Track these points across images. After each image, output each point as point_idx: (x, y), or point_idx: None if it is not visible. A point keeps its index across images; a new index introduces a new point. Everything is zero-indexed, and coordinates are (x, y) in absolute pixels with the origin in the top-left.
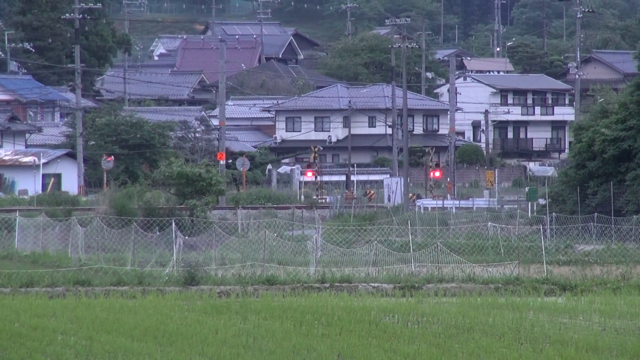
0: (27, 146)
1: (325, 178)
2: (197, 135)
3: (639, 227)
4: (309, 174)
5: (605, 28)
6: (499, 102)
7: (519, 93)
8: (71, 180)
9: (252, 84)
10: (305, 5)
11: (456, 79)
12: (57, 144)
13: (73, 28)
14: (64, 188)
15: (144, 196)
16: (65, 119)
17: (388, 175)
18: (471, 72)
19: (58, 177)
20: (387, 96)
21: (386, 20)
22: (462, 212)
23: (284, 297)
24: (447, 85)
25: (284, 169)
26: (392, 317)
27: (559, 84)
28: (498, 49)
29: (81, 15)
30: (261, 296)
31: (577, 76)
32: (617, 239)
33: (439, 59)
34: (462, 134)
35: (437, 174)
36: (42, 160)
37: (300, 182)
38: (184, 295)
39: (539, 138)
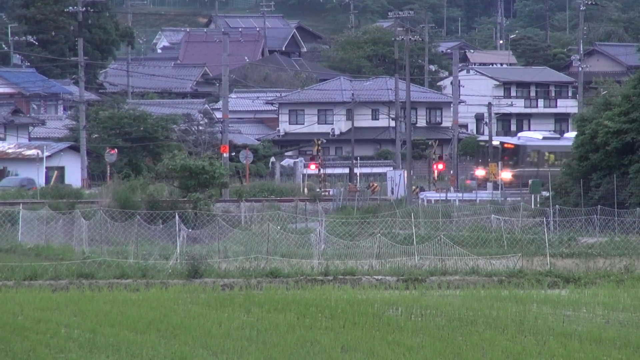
0: (30, 139)
1: (329, 171)
2: (200, 128)
3: None
4: (313, 166)
5: (608, 20)
6: (502, 94)
7: (522, 85)
8: (74, 173)
9: (255, 76)
10: None
11: (459, 71)
12: (61, 137)
13: (76, 21)
14: (67, 181)
15: (147, 189)
16: (69, 112)
17: (391, 168)
18: (474, 65)
19: (61, 170)
20: (390, 89)
21: (389, 13)
22: (465, 204)
23: (288, 289)
24: (450, 78)
25: (287, 161)
26: (396, 309)
27: (562, 77)
28: (501, 42)
29: (84, 9)
30: (265, 289)
31: (580, 69)
32: (621, 231)
33: (442, 51)
34: (465, 126)
35: (441, 166)
36: (46, 153)
37: (303, 175)
38: (188, 288)
39: (542, 130)
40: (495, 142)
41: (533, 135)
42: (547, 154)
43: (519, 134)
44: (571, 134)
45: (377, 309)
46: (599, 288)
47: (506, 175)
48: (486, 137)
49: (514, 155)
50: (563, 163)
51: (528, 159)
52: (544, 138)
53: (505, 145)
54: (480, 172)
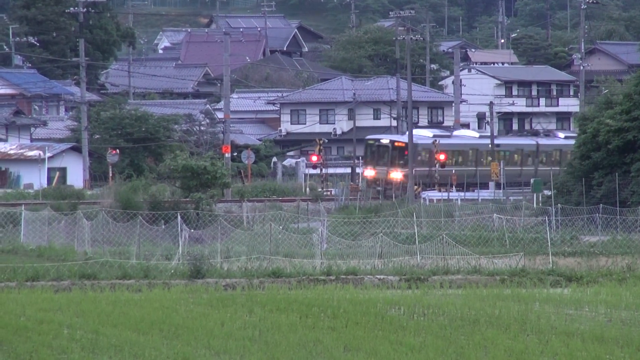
0: (32, 140)
1: (330, 170)
2: (201, 128)
3: None
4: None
5: (609, 19)
6: (504, 93)
7: (524, 84)
8: (76, 174)
9: (256, 76)
10: None
11: (460, 70)
12: (62, 138)
13: (77, 22)
14: (69, 182)
15: (149, 189)
16: (70, 113)
17: None
18: (475, 64)
19: (63, 170)
20: (392, 88)
21: (390, 13)
22: (467, 204)
23: (290, 289)
24: (452, 77)
25: (289, 161)
26: (398, 309)
27: (563, 75)
28: (502, 41)
29: (85, 9)
30: (267, 289)
31: (581, 67)
32: (623, 230)
33: (443, 51)
34: (467, 125)
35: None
36: (47, 154)
37: (305, 175)
38: (190, 289)
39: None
40: (385, 141)
41: (424, 133)
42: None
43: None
44: (460, 132)
45: (379, 308)
46: (601, 287)
47: (396, 175)
48: (376, 136)
49: (405, 155)
50: (454, 162)
51: (419, 158)
52: (435, 136)
53: (396, 144)
54: (369, 173)
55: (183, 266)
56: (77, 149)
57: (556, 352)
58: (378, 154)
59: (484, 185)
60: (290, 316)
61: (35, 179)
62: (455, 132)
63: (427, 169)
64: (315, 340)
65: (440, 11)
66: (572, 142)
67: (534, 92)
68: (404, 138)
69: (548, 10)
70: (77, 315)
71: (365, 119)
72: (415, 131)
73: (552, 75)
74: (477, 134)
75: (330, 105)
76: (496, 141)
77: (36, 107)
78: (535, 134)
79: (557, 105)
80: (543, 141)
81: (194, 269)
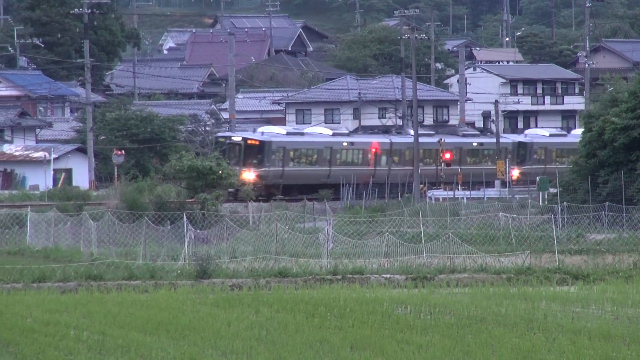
0: (37, 141)
1: None
2: (207, 128)
3: None
4: None
5: (614, 17)
6: (509, 92)
7: (529, 83)
8: (82, 175)
9: (261, 76)
10: None
11: (466, 69)
12: (68, 139)
13: (82, 23)
14: (74, 183)
15: (155, 190)
16: (75, 114)
17: None
18: (480, 63)
19: (69, 172)
20: (397, 87)
21: (395, 12)
22: (473, 202)
23: (296, 289)
24: (457, 76)
25: None
26: (405, 308)
27: (568, 74)
28: (507, 39)
29: (90, 10)
30: (273, 289)
31: (586, 65)
32: (629, 227)
33: (448, 49)
34: (472, 124)
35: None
36: (53, 156)
37: None
38: (196, 289)
39: (549, 127)
40: (237, 138)
41: (277, 131)
42: (292, 152)
43: (261, 129)
44: (314, 129)
45: (386, 307)
46: (607, 284)
47: (249, 175)
48: (227, 133)
49: (258, 154)
50: (310, 161)
51: (274, 157)
52: (288, 133)
53: (249, 142)
54: None
55: (189, 267)
56: (82, 150)
57: (563, 350)
58: (230, 153)
59: (338, 187)
60: (296, 316)
61: (40, 180)
62: (307, 130)
63: (281, 169)
64: (322, 339)
65: (445, 10)
66: (427, 140)
67: (539, 91)
68: (257, 136)
69: (553, 9)
70: (84, 316)
71: (371, 118)
72: (270, 128)
73: (557, 74)
74: (330, 132)
75: (335, 105)
76: (348, 139)
77: (41, 108)
78: (387, 131)
79: (563, 103)
80: (396, 139)
81: (200, 269)
